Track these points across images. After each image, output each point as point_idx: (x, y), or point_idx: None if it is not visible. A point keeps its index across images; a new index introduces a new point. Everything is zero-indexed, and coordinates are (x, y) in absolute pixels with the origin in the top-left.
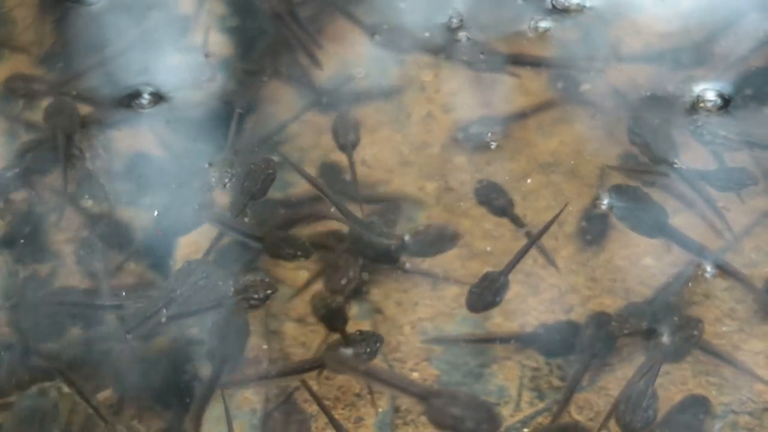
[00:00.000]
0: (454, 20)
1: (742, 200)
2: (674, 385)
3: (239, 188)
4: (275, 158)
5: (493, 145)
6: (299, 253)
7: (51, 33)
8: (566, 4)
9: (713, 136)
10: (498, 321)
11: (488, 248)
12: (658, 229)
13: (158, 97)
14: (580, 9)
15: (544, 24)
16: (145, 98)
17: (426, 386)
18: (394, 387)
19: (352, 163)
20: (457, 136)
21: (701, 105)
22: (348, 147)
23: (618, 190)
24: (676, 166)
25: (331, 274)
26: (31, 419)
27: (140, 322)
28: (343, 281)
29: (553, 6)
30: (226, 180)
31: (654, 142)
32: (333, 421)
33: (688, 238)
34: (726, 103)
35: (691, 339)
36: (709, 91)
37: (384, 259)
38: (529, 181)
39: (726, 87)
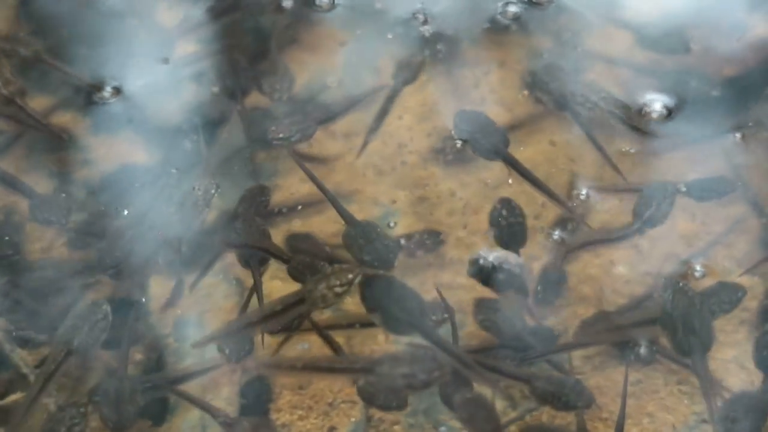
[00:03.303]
0: (420, 16)
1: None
2: (646, 393)
3: (234, 212)
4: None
5: (468, 154)
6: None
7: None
8: None
9: (584, 99)
10: (471, 330)
11: (462, 257)
12: (495, 153)
13: (120, 92)
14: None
15: (513, 9)
16: (107, 91)
17: (366, 358)
18: (336, 371)
19: None
20: (432, 145)
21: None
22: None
23: (462, 115)
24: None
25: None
26: None
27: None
28: None
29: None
30: (213, 191)
31: (557, 90)
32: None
33: (522, 166)
34: (669, 113)
35: None
36: (656, 102)
37: (380, 263)
38: (510, 180)
39: (671, 99)
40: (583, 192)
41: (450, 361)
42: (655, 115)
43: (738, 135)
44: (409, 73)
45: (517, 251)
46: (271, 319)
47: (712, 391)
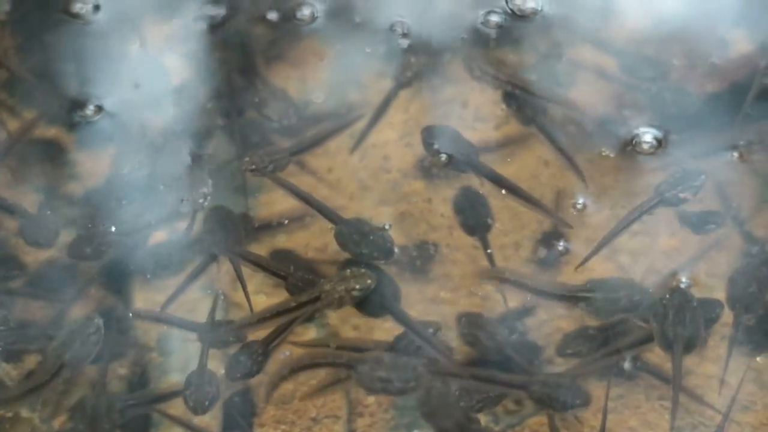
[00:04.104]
0: (399, 29)
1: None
2: (627, 408)
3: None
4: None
5: (452, 169)
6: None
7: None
8: (522, 7)
9: (482, 72)
10: (454, 345)
11: (445, 272)
12: (467, 165)
13: (102, 110)
14: (535, 13)
15: (495, 18)
16: (90, 109)
17: (351, 356)
18: (319, 366)
19: None
20: (415, 160)
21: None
22: None
23: (429, 130)
24: None
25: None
26: None
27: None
28: None
29: (511, 11)
30: (201, 200)
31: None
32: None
33: (499, 174)
34: (659, 144)
35: None
36: (647, 135)
37: (380, 253)
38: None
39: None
40: (580, 202)
41: (424, 346)
42: (646, 147)
43: (735, 154)
44: (407, 76)
45: (484, 234)
46: (283, 316)
47: (680, 385)
